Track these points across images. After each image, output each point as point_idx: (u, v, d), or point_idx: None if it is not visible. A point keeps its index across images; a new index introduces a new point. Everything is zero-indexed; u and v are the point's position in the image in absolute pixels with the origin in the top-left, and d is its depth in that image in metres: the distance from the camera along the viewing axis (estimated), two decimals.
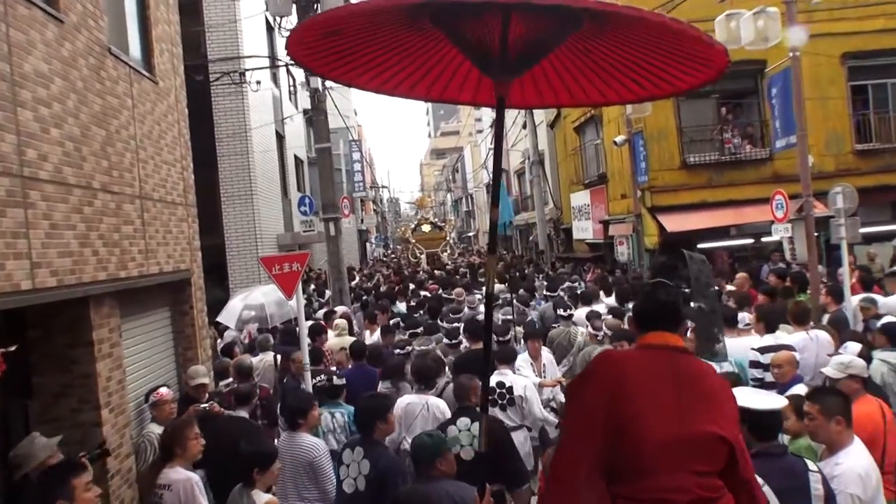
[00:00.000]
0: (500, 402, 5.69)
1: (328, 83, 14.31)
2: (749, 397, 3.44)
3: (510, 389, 5.85)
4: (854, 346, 5.14)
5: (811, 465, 3.36)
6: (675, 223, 14.88)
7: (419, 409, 5.42)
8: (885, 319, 6.37)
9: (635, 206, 15.14)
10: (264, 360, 8.87)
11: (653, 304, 2.51)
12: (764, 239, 15.73)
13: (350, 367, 7.47)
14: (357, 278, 21.93)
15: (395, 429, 4.70)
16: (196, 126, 15.22)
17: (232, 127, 15.61)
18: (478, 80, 2.87)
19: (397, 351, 7.45)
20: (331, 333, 9.70)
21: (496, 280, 16.34)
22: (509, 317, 9.33)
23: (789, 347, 5.58)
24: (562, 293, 11.23)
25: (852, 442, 3.60)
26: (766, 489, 3.03)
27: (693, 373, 2.40)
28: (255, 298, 11.13)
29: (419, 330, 8.74)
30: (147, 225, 6.08)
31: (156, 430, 5.72)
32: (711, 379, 2.49)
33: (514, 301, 10.99)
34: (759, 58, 15.04)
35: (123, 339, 5.73)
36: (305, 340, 7.46)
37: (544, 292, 12.66)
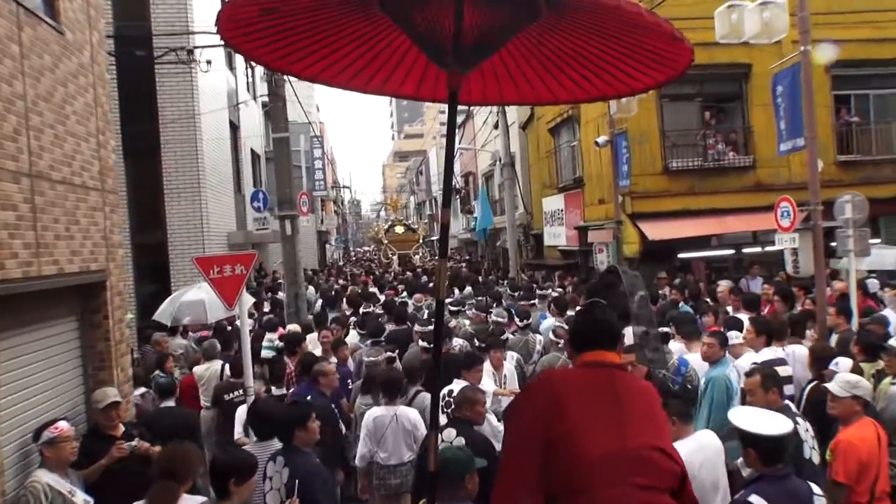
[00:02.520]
0: (445, 410, 5.34)
1: None
2: (754, 421, 3.43)
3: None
4: (845, 362, 5.10)
5: (816, 488, 3.37)
6: (657, 231, 14.00)
7: (388, 420, 5.41)
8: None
9: (616, 211, 14.19)
10: (210, 368, 7.98)
11: (588, 325, 2.50)
12: (745, 250, 15.02)
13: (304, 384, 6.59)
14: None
15: (317, 436, 4.49)
16: (137, 108, 14.08)
17: (178, 111, 14.22)
18: (435, 76, 2.71)
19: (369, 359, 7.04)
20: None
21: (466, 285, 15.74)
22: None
23: (783, 362, 5.55)
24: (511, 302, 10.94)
25: (682, 437, 3.84)
26: None
27: (632, 389, 2.38)
28: (194, 294, 10.05)
29: (381, 339, 8.41)
30: (40, 212, 4.76)
31: (44, 477, 4.46)
32: (651, 397, 2.46)
33: (475, 308, 10.68)
34: (744, 61, 14.40)
35: (0, 360, 4.41)
36: (248, 357, 6.27)
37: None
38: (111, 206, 6.14)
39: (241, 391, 6.57)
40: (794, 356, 6.20)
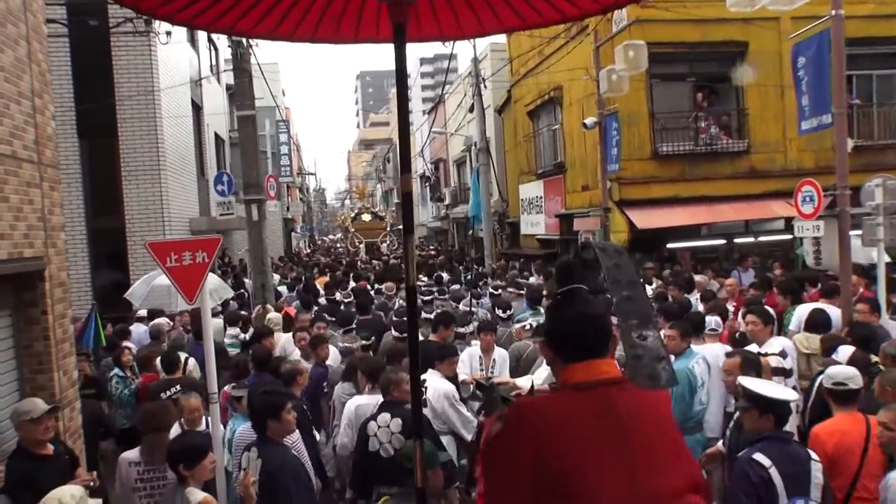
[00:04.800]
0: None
1: (254, 40, 12.07)
2: (768, 388, 3.64)
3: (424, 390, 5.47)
4: (846, 351, 5.04)
5: (813, 454, 3.52)
6: (645, 219, 13.36)
7: (370, 410, 5.03)
8: None
9: (604, 198, 13.51)
10: None
11: (571, 323, 1.93)
12: (737, 240, 14.48)
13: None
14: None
15: (293, 428, 4.28)
16: (91, 83, 13.02)
17: (136, 87, 13.14)
18: (377, 10, 2.40)
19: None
20: None
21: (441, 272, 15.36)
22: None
23: (784, 354, 5.51)
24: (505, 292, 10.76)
25: None
26: (773, 471, 3.29)
27: (637, 411, 1.85)
28: (164, 278, 9.23)
29: (353, 326, 8.26)
30: None
31: None
32: (659, 411, 1.93)
33: (447, 297, 10.69)
34: (739, 39, 13.80)
35: None
36: (212, 358, 5.38)
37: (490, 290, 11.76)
38: (50, 183, 5.19)
39: (177, 388, 6.00)
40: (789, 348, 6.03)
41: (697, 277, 10.92)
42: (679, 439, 1.98)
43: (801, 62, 7.78)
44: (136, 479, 4.34)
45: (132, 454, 4.46)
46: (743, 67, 13.57)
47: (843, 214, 7.04)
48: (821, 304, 6.98)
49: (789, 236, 13.59)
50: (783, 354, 5.64)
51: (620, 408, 1.85)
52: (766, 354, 5.49)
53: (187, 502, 3.64)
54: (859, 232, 7.64)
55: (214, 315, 10.41)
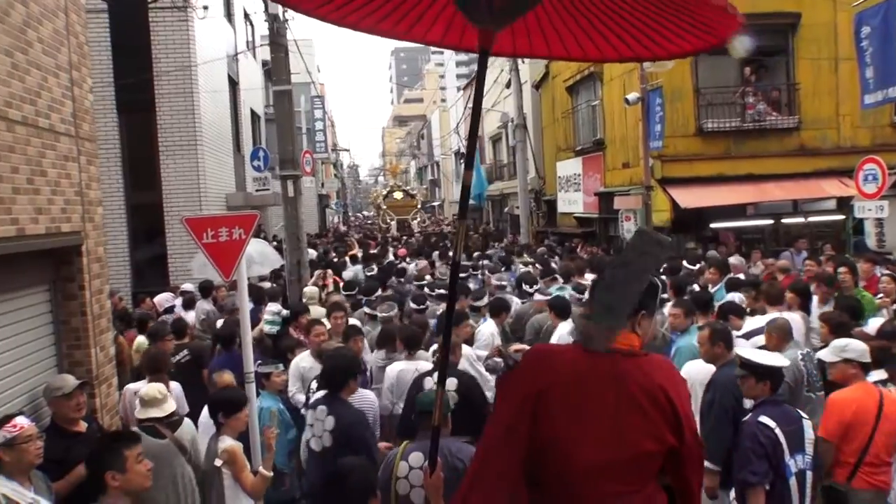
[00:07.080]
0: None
1: (289, 14, 11.92)
2: (765, 357, 3.96)
3: None
4: (875, 323, 5.36)
5: (801, 413, 3.90)
6: (689, 198, 12.95)
7: (410, 374, 5.47)
8: None
9: (646, 176, 13.11)
10: None
11: (595, 293, 2.27)
12: (785, 220, 14.00)
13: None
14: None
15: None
16: (130, 58, 13.02)
17: (174, 62, 13.09)
18: (463, 23, 2.53)
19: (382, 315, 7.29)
20: None
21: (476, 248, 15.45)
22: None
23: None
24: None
25: None
26: (778, 431, 3.66)
27: (639, 380, 2.09)
28: None
29: (374, 297, 8.87)
30: None
31: (0, 487, 3.56)
32: (664, 384, 2.11)
33: (483, 271, 11.22)
34: (792, 10, 13.23)
35: None
36: (248, 337, 5.29)
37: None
38: (88, 157, 5.12)
39: (186, 352, 6.51)
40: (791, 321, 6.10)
41: (732, 260, 10.52)
42: (676, 411, 2.09)
43: (865, 32, 7.35)
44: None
45: (138, 385, 5.12)
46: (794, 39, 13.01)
47: None
48: None
49: (841, 216, 13.13)
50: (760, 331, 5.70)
51: (625, 374, 2.08)
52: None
53: (217, 447, 4.13)
54: None
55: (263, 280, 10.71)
